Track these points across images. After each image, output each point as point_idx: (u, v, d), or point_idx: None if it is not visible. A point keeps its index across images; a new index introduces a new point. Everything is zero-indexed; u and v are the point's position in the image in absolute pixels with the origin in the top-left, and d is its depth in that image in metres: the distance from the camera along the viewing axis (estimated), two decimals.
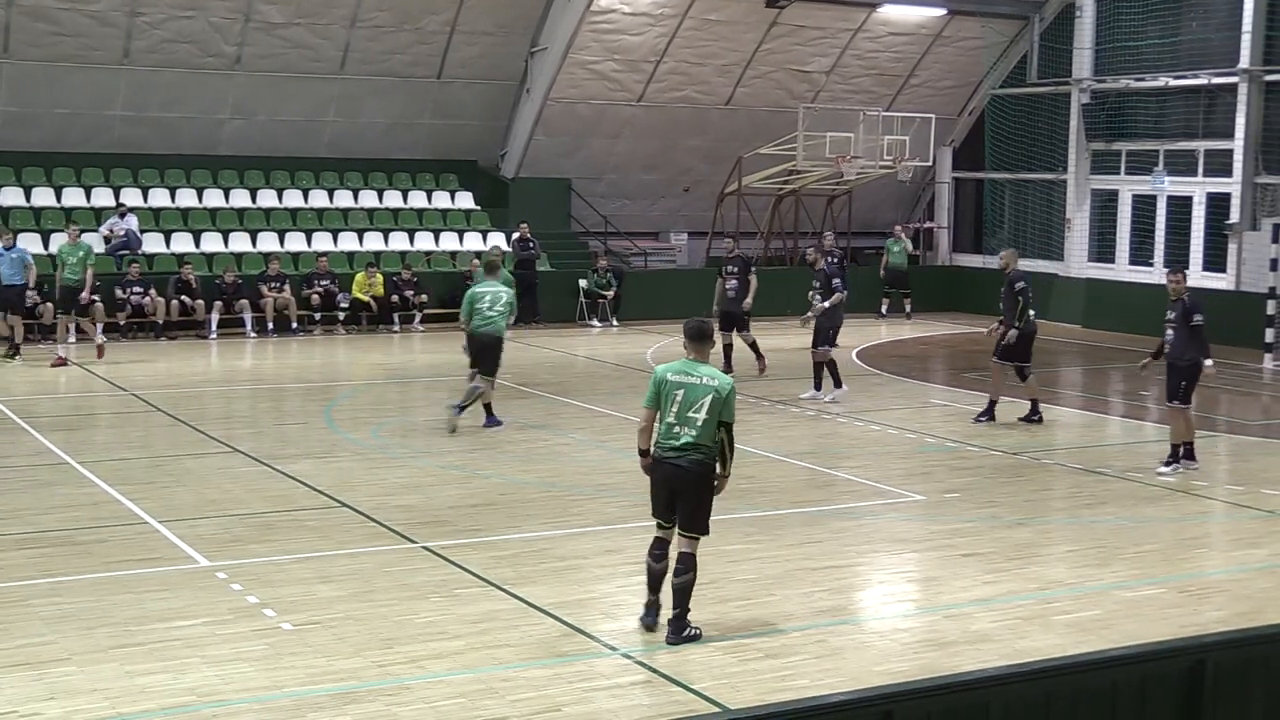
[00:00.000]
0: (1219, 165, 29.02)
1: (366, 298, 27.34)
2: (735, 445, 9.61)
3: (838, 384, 19.65)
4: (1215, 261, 29.03)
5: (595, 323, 28.99)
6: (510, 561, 11.40)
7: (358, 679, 8.77)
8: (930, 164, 33.39)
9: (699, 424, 9.39)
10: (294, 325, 26.62)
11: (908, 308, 31.13)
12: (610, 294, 29.06)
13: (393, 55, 29.10)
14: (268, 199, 29.44)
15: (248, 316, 26.27)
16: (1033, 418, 18.09)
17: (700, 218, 32.90)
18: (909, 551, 12.25)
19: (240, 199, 29.22)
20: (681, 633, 9.44)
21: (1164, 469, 15.25)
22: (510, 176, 31.32)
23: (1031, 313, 17.97)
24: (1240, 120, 28.33)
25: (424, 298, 27.79)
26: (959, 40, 33.05)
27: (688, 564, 9.47)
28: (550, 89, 29.92)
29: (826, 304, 19.53)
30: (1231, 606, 10.59)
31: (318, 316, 26.99)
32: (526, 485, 14.38)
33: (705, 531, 9.57)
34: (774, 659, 9.28)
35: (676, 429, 9.47)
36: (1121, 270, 31.11)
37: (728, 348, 21.28)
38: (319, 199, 29.93)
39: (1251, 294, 25.72)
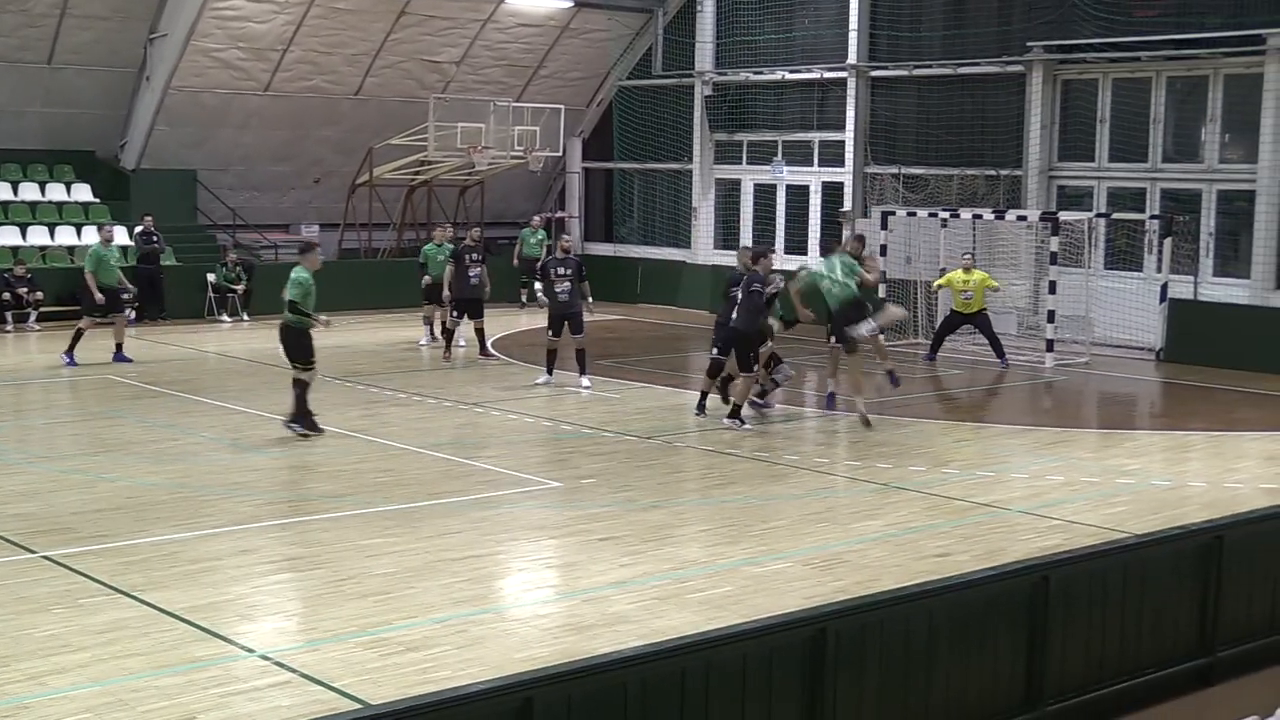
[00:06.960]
0: (833, 156, 30.43)
1: None
2: None
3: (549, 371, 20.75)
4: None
5: (225, 318, 28.20)
6: (139, 567, 11.00)
7: None
8: (561, 154, 33.81)
9: None
10: None
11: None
12: (240, 288, 28.32)
13: None
14: None
15: None
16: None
17: (332, 209, 32.37)
18: (547, 538, 12.43)
19: None
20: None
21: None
22: (131, 168, 30.05)
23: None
24: (850, 113, 29.83)
25: (39, 295, 26.43)
26: (586, 32, 33.56)
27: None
28: (172, 77, 28.85)
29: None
30: (851, 576, 11.16)
31: None
32: (155, 487, 13.89)
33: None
34: (415, 651, 9.26)
35: None
36: None
37: (450, 333, 23.19)
38: None
39: None
